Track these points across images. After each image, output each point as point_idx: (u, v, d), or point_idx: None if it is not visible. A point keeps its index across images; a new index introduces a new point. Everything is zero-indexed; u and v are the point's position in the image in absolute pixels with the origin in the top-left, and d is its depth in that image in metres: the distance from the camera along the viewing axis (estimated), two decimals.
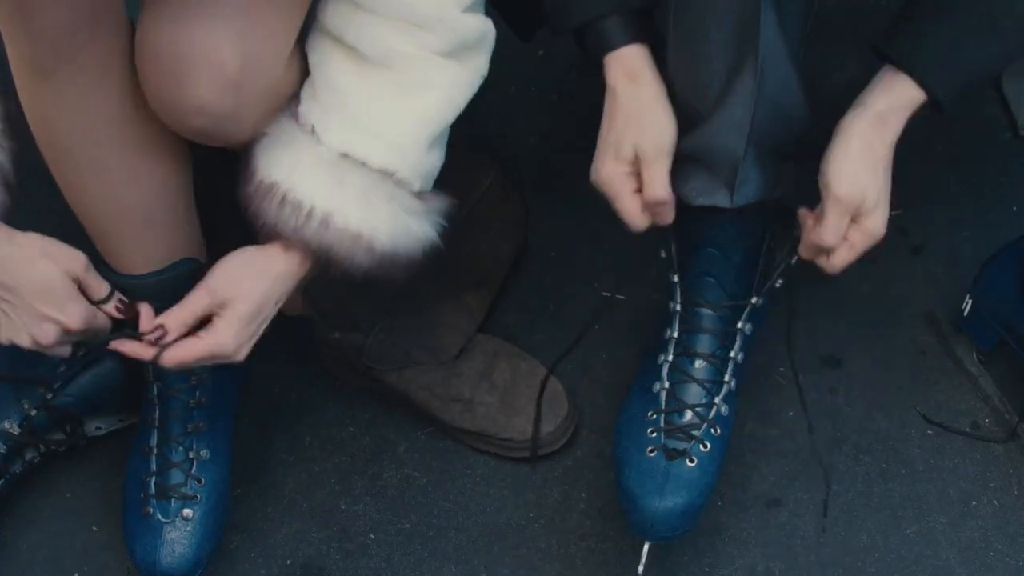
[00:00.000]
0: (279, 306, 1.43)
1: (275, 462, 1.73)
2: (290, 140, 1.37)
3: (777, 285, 1.56)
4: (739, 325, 1.55)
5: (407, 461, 1.72)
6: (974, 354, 1.73)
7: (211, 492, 1.59)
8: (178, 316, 1.40)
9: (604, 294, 1.82)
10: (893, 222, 1.82)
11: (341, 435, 1.75)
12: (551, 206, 1.89)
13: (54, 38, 1.28)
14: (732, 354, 1.55)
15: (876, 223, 1.44)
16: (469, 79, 1.40)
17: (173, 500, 1.58)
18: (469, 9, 1.38)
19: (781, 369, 1.73)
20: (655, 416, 1.53)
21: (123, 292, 1.45)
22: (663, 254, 1.57)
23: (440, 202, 1.45)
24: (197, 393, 1.59)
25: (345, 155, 1.36)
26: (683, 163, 1.45)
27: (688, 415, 1.52)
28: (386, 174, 1.37)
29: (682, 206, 1.48)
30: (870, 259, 1.79)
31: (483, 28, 1.40)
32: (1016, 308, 1.62)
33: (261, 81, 1.35)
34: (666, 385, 1.54)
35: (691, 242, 1.55)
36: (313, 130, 1.36)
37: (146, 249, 1.47)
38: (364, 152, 1.36)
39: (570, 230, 1.87)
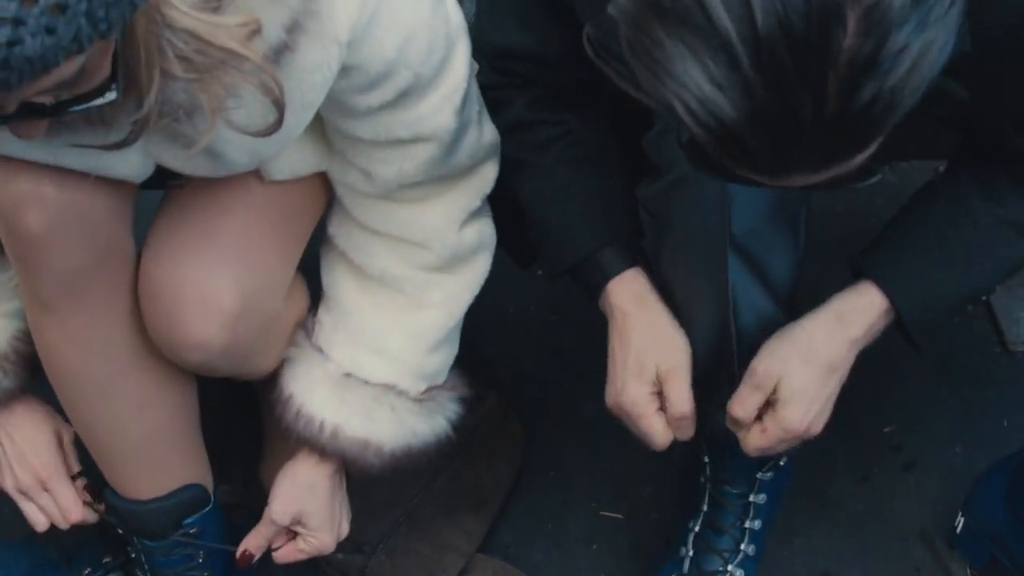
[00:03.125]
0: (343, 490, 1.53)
1: None
2: (306, 356, 1.47)
3: (781, 463, 1.66)
4: (751, 498, 1.65)
5: None
6: (967, 570, 1.73)
7: None
8: (255, 543, 1.52)
9: (602, 514, 1.83)
10: (886, 439, 1.87)
11: None
12: (549, 424, 1.91)
13: (61, 278, 1.32)
14: (747, 524, 1.65)
15: (791, 416, 1.38)
16: (466, 289, 1.49)
17: None
18: (468, 222, 1.45)
19: None
20: None
21: (126, 517, 1.48)
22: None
23: (451, 390, 1.54)
24: None
25: (349, 374, 1.44)
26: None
27: None
28: (387, 387, 1.45)
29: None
30: (863, 476, 1.83)
31: (479, 239, 1.47)
32: (1006, 525, 1.63)
33: (259, 316, 1.40)
34: (690, 553, 1.66)
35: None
36: (321, 349, 1.45)
37: (151, 475, 1.50)
38: (365, 369, 1.46)
39: (568, 448, 1.89)
